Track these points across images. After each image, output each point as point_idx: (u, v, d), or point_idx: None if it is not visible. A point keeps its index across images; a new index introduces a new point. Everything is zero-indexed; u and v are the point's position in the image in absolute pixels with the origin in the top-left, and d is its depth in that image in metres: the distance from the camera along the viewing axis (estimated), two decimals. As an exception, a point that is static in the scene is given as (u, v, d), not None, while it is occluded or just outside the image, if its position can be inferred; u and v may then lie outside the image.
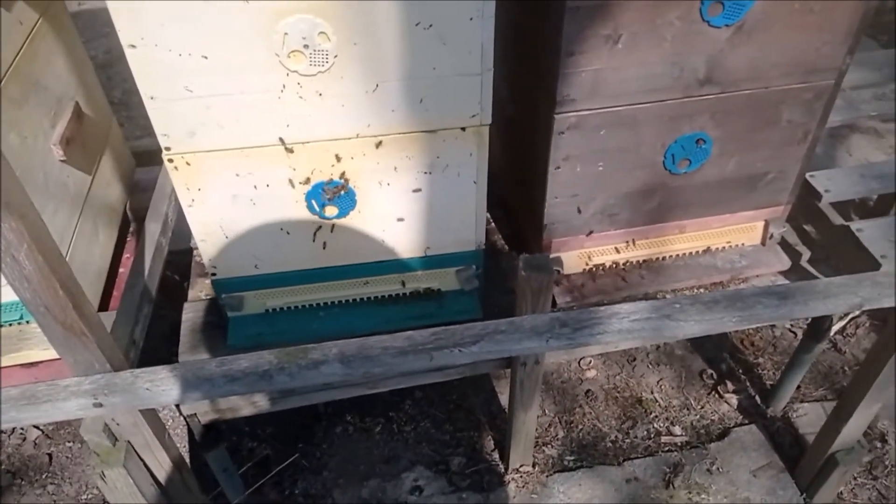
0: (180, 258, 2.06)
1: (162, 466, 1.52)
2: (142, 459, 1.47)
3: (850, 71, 2.35)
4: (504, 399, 2.32)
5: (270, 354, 1.24)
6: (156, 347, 1.90)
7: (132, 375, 1.24)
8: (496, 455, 2.17)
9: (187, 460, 2.20)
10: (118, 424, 1.38)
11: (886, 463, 2.11)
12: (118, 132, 2.03)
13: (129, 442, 1.42)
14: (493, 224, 2.16)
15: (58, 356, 1.35)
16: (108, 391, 1.22)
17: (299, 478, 2.11)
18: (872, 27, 4.33)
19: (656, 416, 2.28)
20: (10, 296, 1.54)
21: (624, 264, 1.82)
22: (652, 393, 2.35)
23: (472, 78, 1.37)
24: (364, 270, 1.69)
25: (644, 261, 1.83)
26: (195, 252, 1.95)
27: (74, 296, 1.15)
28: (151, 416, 1.43)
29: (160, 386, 1.23)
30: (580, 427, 2.26)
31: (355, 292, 1.73)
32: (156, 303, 2.12)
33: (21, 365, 1.51)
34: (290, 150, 1.41)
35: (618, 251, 1.80)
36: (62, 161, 1.60)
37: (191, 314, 1.81)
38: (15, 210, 0.96)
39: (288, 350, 1.25)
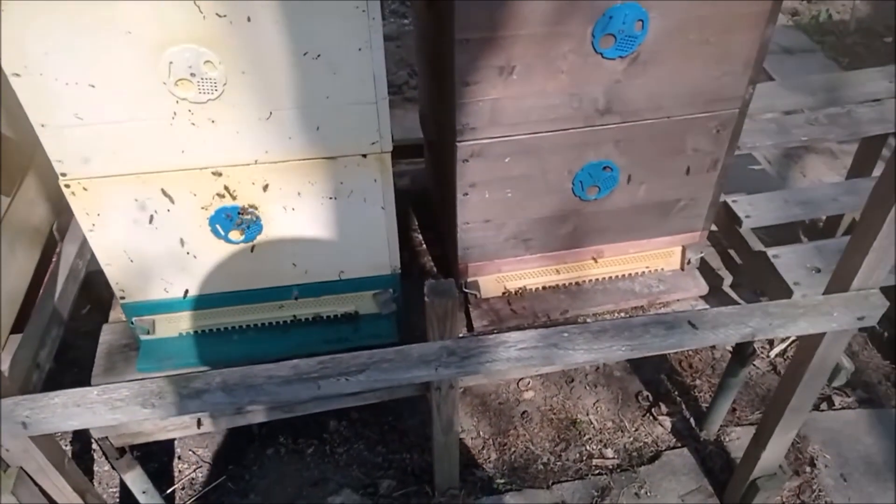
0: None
1: (61, 492, 1.51)
2: (38, 486, 1.46)
3: (785, 95, 2.39)
4: (439, 420, 2.31)
5: (153, 383, 1.24)
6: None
7: (12, 403, 1.23)
8: (426, 478, 2.16)
9: (116, 480, 2.20)
10: (7, 451, 1.37)
11: (814, 487, 2.11)
12: (45, 152, 2.02)
13: (20, 468, 1.41)
14: (423, 246, 2.17)
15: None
16: (-13, 418, 1.21)
17: (225, 501, 2.10)
18: (835, 49, 4.38)
19: (590, 439, 2.28)
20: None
21: (542, 288, 1.83)
22: (587, 415, 2.35)
23: (367, 106, 1.38)
24: (277, 294, 1.69)
25: (563, 285, 1.84)
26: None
27: (-53, 324, 1.14)
28: (46, 441, 1.42)
29: (40, 414, 1.22)
30: (513, 449, 2.26)
31: (270, 316, 1.73)
32: (96, 321, 2.11)
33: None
34: (189, 177, 1.42)
35: (535, 276, 1.80)
36: (-28, 184, 1.60)
37: (108, 336, 1.81)
38: None
39: (170, 378, 1.25)
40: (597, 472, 2.17)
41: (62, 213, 2.05)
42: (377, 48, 1.30)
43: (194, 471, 2.17)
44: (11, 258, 1.75)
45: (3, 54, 1.19)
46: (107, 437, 1.71)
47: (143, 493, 1.90)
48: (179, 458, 2.21)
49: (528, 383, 2.45)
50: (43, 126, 1.30)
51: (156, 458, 2.21)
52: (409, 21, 4.38)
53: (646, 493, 2.11)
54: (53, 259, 1.99)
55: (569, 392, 2.42)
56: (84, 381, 1.77)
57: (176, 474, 2.18)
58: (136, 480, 1.86)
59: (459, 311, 1.74)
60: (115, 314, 1.88)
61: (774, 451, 1.84)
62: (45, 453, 1.40)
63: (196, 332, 1.72)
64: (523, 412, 2.36)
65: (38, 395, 1.24)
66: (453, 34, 1.31)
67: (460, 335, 1.69)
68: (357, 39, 1.27)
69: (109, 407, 1.23)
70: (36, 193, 1.93)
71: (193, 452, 2.22)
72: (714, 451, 2.22)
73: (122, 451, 1.78)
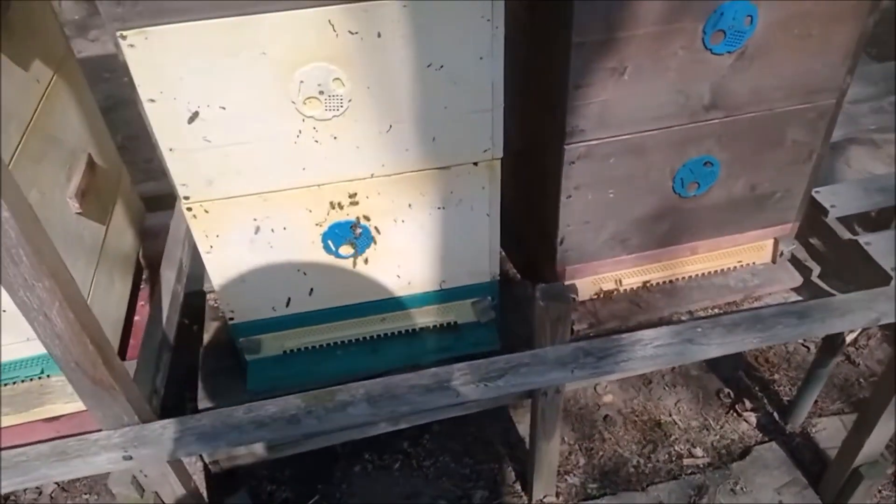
0: (190, 300, 2.05)
1: (188, 516, 1.50)
2: (168, 510, 1.46)
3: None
4: (522, 428, 2.31)
5: (297, 399, 1.25)
6: (172, 393, 1.88)
7: (161, 427, 1.24)
8: (518, 486, 2.16)
9: (207, 505, 2.20)
10: (146, 476, 1.37)
11: (911, 474, 2.11)
12: (128, 180, 2.05)
13: (156, 493, 1.41)
14: (503, 253, 2.17)
15: (80, 409, 1.36)
16: (137, 443, 1.22)
17: (322, 519, 2.09)
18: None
19: (676, 439, 2.27)
20: (22, 352, 1.53)
21: (638, 288, 1.83)
22: (670, 415, 2.34)
23: (483, 114, 1.40)
24: (381, 307, 1.70)
25: (658, 283, 1.84)
26: (208, 295, 1.95)
27: (104, 350, 1.15)
28: (178, 466, 1.43)
29: (189, 436, 1.23)
30: (601, 454, 2.25)
31: (372, 329, 1.74)
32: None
33: (44, 420, 1.50)
34: (307, 194, 1.43)
35: (631, 275, 1.81)
36: (78, 213, 1.61)
37: (207, 359, 1.81)
38: (48, 269, 0.97)
39: (315, 393, 1.25)
40: (689, 471, 2.17)
41: (145, 241, 2.06)
42: (497, 56, 1.31)
43: (286, 491, 2.16)
44: (111, 286, 1.76)
45: (141, 81, 1.21)
46: (217, 461, 1.71)
47: (247, 515, 1.89)
48: (269, 478, 2.20)
49: (606, 387, 2.45)
50: (171, 150, 1.31)
51: (244, 481, 2.20)
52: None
53: (741, 488, 2.10)
54: (142, 286, 2.00)
55: (648, 394, 2.42)
56: (173, 406, 1.77)
57: (265, 497, 2.18)
58: (241, 502, 1.86)
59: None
60: (209, 336, 1.89)
61: (878, 439, 1.83)
62: (178, 477, 1.40)
63: (300, 349, 1.72)
64: (605, 416, 2.36)
65: (184, 417, 1.25)
66: (570, 38, 1.32)
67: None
68: (480, 48, 1.29)
69: (257, 425, 1.23)
70: (123, 222, 1.94)
71: (282, 473, 2.22)
72: (802, 444, 2.22)
73: (227, 473, 1.78)
